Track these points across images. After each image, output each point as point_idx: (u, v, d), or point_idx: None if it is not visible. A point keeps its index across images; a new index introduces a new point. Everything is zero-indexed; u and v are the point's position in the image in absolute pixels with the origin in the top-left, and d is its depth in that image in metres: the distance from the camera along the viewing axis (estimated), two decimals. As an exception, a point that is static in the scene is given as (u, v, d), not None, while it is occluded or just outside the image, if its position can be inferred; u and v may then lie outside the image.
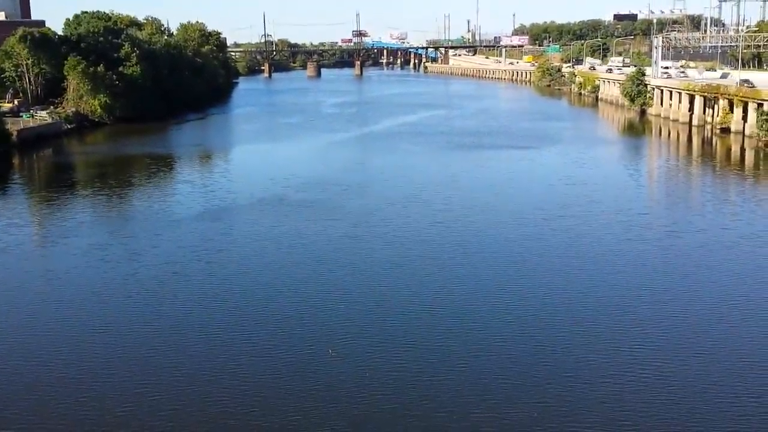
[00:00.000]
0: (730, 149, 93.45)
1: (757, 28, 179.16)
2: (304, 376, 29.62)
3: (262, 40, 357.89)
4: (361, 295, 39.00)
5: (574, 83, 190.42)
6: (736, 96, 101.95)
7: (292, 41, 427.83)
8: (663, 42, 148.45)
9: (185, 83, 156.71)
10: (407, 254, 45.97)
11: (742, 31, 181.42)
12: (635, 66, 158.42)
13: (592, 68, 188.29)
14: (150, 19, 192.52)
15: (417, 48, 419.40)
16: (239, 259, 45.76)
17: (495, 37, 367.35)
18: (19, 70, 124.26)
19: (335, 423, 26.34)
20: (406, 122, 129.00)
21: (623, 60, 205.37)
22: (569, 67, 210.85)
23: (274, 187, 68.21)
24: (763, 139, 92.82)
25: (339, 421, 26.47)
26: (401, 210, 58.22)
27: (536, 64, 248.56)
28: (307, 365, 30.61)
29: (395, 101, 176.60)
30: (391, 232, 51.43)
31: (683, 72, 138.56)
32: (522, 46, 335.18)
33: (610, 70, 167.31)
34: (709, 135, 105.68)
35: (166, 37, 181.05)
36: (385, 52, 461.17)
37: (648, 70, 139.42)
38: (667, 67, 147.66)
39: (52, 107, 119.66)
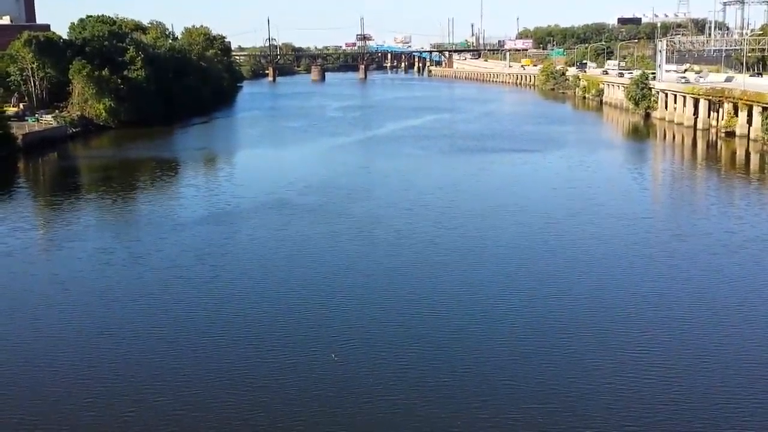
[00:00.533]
0: (735, 153, 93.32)
1: (761, 32, 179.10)
2: (308, 380, 29.65)
3: (267, 44, 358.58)
4: (365, 298, 39.02)
5: (578, 87, 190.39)
6: (741, 99, 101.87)
7: (297, 45, 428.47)
8: (667, 45, 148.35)
9: (190, 87, 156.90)
10: (412, 258, 46.01)
11: (746, 34, 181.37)
12: (639, 70, 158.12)
13: (605, 72, 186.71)
14: (155, 23, 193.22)
15: (421, 52, 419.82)
16: (244, 262, 45.84)
17: (499, 41, 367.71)
18: (24, 74, 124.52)
19: (339, 425, 26.36)
20: (411, 126, 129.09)
21: (618, 63, 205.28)
22: (580, 70, 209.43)
23: (279, 191, 68.30)
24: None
25: (342, 423, 26.49)
26: (406, 214, 58.26)
27: (536, 65, 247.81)
28: (312, 369, 30.64)
29: (399, 105, 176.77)
30: (396, 236, 51.48)
31: (701, 77, 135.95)
32: (526, 49, 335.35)
33: (621, 74, 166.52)
34: (714, 138, 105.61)
35: (170, 41, 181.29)
36: (389, 55, 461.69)
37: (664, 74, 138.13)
38: (670, 71, 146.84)
39: (57, 111, 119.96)
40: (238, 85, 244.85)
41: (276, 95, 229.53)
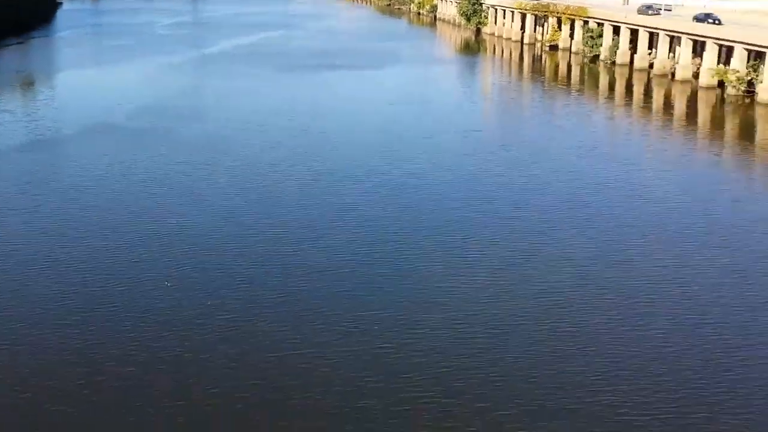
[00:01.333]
0: (558, 65, 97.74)
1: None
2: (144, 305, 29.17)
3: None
4: (200, 221, 38.44)
5: (413, 3, 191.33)
6: (564, 14, 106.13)
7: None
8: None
9: (1, 4, 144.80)
10: (247, 181, 45.56)
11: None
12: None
13: None
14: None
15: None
16: (66, 190, 43.66)
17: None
18: None
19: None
20: (245, 44, 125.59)
21: None
22: None
23: (104, 115, 64.96)
24: (588, 55, 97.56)
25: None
26: (240, 135, 57.29)
27: None
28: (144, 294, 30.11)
29: (233, 22, 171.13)
30: (230, 158, 50.64)
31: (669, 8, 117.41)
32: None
33: None
34: (539, 52, 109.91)
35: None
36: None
37: None
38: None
39: None
40: (58, 2, 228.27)
41: (100, 12, 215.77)
